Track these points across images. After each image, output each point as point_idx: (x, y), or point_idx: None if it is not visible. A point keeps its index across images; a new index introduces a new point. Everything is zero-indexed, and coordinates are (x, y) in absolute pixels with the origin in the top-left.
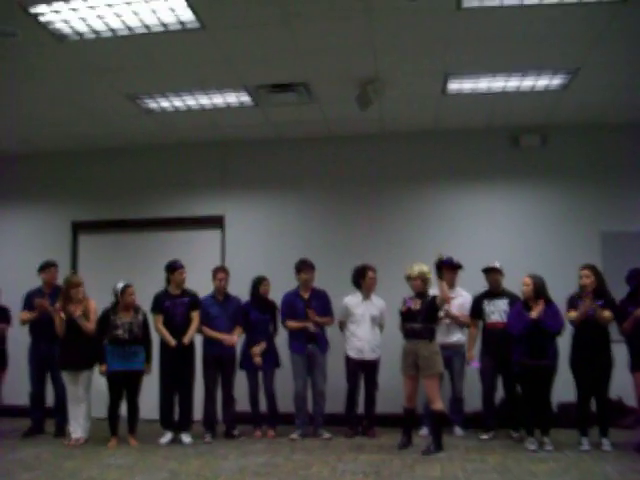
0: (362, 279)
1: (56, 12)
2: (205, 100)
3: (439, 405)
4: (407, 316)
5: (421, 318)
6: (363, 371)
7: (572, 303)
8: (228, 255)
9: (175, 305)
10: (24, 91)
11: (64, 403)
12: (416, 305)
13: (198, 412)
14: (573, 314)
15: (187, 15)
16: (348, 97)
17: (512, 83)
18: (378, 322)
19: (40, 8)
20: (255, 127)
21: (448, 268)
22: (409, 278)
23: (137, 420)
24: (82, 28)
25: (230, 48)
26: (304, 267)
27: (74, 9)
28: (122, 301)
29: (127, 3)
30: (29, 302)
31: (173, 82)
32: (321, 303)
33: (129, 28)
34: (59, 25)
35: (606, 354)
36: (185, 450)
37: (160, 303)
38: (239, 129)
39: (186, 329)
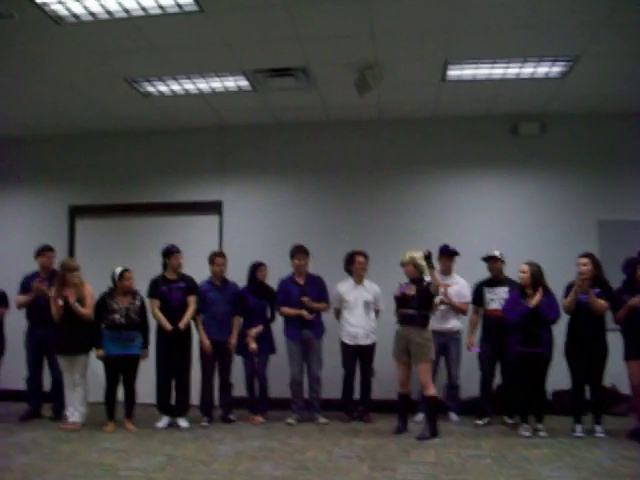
0: (351, 265)
1: None
2: (203, 85)
3: (432, 391)
4: (401, 301)
5: (415, 304)
6: (358, 357)
7: (569, 291)
8: (226, 240)
9: (171, 290)
10: (21, 74)
11: (61, 387)
12: (410, 291)
13: (195, 397)
14: (566, 300)
15: None
16: (347, 82)
17: (512, 70)
18: (372, 308)
19: None
20: (253, 112)
21: (445, 255)
22: (402, 264)
23: (134, 405)
24: (79, 10)
25: (229, 31)
26: (297, 253)
27: None
28: (120, 286)
29: None
30: (26, 286)
31: (171, 66)
32: (316, 289)
33: (126, 10)
34: (55, 7)
35: (601, 342)
36: (182, 434)
37: (156, 288)
38: (237, 114)
39: (182, 314)
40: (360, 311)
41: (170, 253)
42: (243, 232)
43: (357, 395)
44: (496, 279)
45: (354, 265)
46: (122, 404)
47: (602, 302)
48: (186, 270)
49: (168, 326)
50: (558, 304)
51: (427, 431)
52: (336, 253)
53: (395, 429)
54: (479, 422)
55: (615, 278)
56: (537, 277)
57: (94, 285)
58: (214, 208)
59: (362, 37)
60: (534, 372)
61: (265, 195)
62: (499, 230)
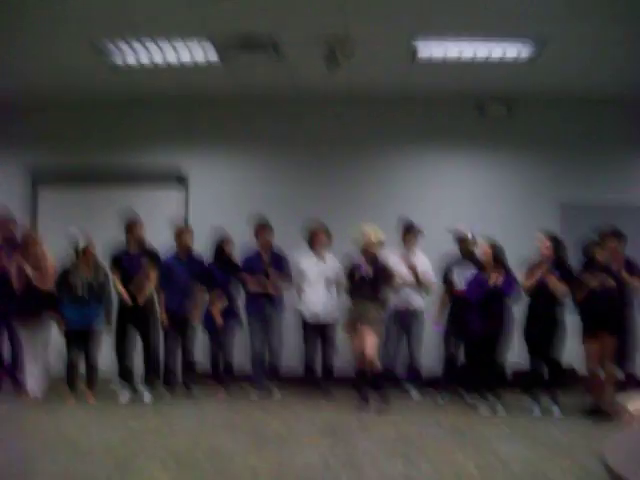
0: (312, 239)
1: None
2: (171, 56)
3: (378, 365)
4: (360, 281)
5: (372, 283)
6: (320, 333)
7: (528, 271)
8: (190, 213)
9: (133, 262)
10: None
11: (21, 360)
12: (368, 271)
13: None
14: (526, 281)
15: None
16: (316, 57)
17: (481, 52)
18: (334, 283)
19: None
20: (221, 85)
21: (409, 232)
22: (370, 244)
23: (96, 378)
24: None
25: (198, 2)
26: (262, 229)
27: None
28: (80, 258)
29: None
30: None
31: (139, 35)
32: (280, 265)
33: None
34: None
35: (559, 323)
36: (144, 408)
37: (118, 260)
38: (205, 87)
39: (143, 286)
40: (321, 287)
41: (132, 224)
42: (207, 205)
43: (319, 371)
44: (466, 259)
45: (315, 241)
46: (84, 377)
47: (561, 287)
48: (149, 242)
49: (128, 301)
50: (518, 283)
51: (381, 404)
52: (299, 226)
53: (357, 404)
54: (440, 400)
55: (574, 260)
56: (498, 257)
57: (57, 255)
58: (178, 180)
59: (333, 12)
60: (493, 350)
61: (230, 168)
62: (463, 208)
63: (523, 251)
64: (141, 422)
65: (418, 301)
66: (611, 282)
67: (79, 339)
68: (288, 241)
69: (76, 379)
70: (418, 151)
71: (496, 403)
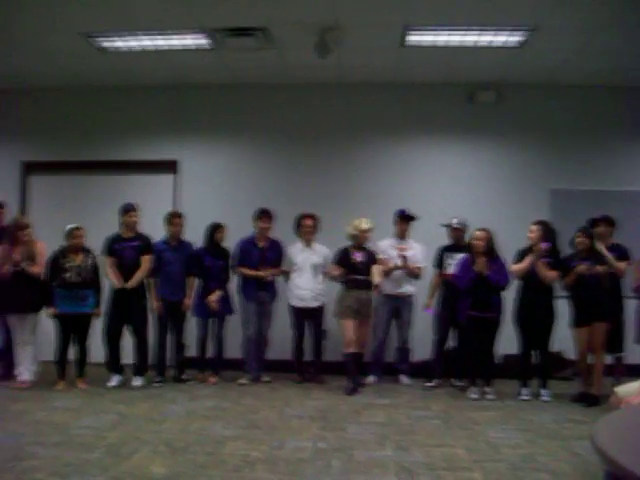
0: (299, 227)
1: None
2: (161, 42)
3: (365, 349)
4: (352, 268)
5: (364, 270)
6: (307, 319)
7: (519, 257)
8: (180, 200)
9: (125, 248)
10: None
11: (10, 346)
12: (360, 258)
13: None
14: (516, 266)
15: None
16: (307, 44)
17: (470, 38)
18: (321, 270)
19: None
20: (212, 71)
21: (401, 219)
22: (364, 231)
23: (86, 364)
24: None
25: None
26: (263, 216)
27: None
28: (70, 243)
29: None
30: None
31: (129, 21)
32: (276, 253)
33: None
34: None
35: (549, 309)
36: (134, 393)
37: (111, 245)
38: (195, 73)
39: (136, 272)
40: (308, 274)
41: (126, 211)
42: (198, 192)
43: (308, 357)
44: (457, 245)
45: (301, 227)
46: (73, 363)
47: (551, 273)
48: (140, 229)
49: (119, 283)
50: (508, 270)
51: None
52: (290, 216)
53: (347, 390)
54: (429, 384)
55: (566, 246)
56: (490, 244)
57: (48, 242)
58: (169, 167)
59: None
60: (484, 336)
61: (221, 155)
62: (453, 195)
63: (513, 237)
64: (132, 407)
65: (408, 286)
66: (599, 268)
67: (69, 324)
68: (276, 228)
69: (66, 364)
70: (408, 139)
71: (485, 387)
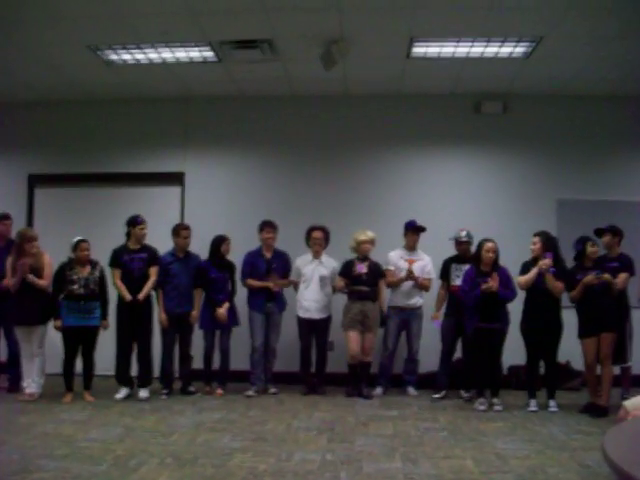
0: (309, 239)
1: None
2: (168, 54)
3: (370, 358)
4: (356, 279)
5: (368, 281)
6: (313, 330)
7: (524, 269)
8: (187, 212)
9: (133, 260)
10: None
11: (17, 358)
12: (364, 269)
13: (156, 369)
14: (522, 278)
15: None
16: (312, 56)
17: (476, 49)
18: (328, 282)
19: None
20: (218, 84)
21: (411, 230)
22: (362, 242)
23: (92, 376)
24: None
25: (194, 0)
26: (266, 227)
27: None
28: (76, 256)
29: None
30: None
31: (135, 34)
32: (282, 264)
33: None
34: None
35: (556, 319)
36: (141, 406)
37: (118, 258)
38: (201, 85)
39: (143, 285)
40: (315, 285)
41: (135, 223)
42: (204, 204)
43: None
44: (464, 257)
45: (310, 239)
46: (80, 375)
47: (558, 284)
48: (146, 241)
49: (128, 296)
50: (514, 283)
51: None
52: (298, 227)
53: (347, 393)
54: (436, 396)
55: (571, 256)
56: (497, 255)
57: (54, 255)
58: (176, 180)
59: (329, 11)
60: (490, 347)
61: (227, 168)
62: (460, 206)
63: (520, 247)
64: (139, 419)
65: (418, 298)
66: (606, 276)
67: (76, 336)
68: (283, 240)
69: (73, 377)
70: (414, 150)
71: (492, 398)
